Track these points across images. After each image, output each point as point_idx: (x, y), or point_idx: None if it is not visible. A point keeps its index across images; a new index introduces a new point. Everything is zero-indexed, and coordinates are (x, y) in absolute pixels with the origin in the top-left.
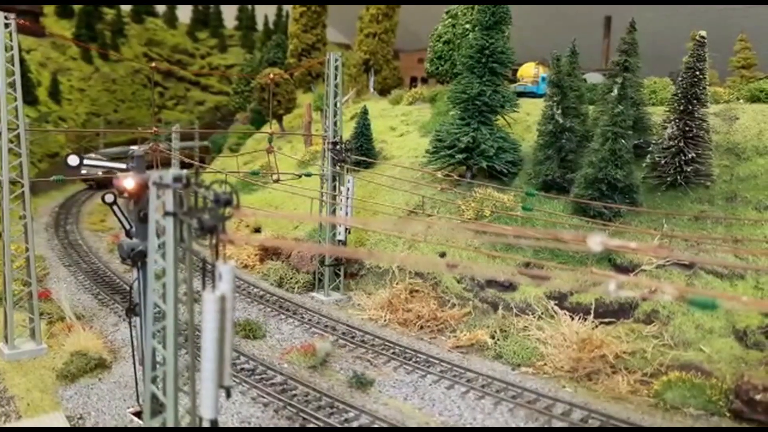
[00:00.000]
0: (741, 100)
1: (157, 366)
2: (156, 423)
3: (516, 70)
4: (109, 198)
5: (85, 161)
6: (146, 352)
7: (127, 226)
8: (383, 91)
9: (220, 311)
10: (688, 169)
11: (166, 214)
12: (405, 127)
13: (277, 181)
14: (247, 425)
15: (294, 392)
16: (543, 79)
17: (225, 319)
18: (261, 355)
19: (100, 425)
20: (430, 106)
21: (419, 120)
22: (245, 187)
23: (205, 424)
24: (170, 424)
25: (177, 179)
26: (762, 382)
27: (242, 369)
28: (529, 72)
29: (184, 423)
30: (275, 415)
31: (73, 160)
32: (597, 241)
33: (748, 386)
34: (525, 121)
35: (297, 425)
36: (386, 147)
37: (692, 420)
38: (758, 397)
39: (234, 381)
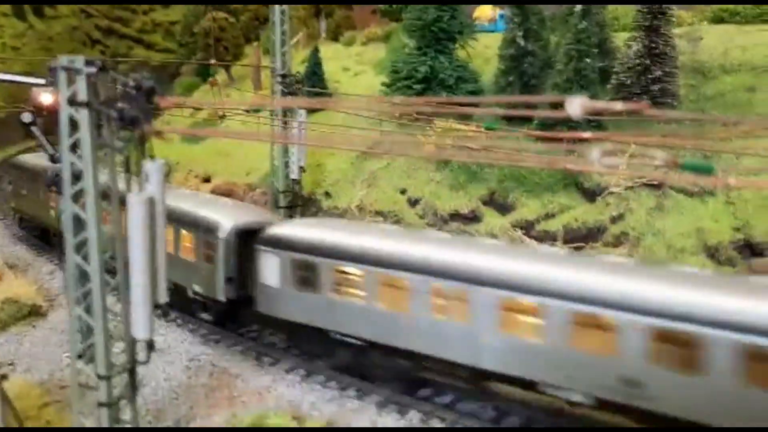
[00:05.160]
0: (705, 22)
1: (82, 284)
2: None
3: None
4: (27, 117)
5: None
6: (68, 268)
7: (51, 151)
8: (336, 39)
9: (148, 216)
10: (655, 88)
11: (78, 104)
12: (359, 67)
13: (222, 117)
14: (197, 362)
15: (249, 328)
16: (501, 16)
17: (156, 225)
18: None
19: (33, 370)
20: (385, 45)
21: (374, 59)
22: (192, 139)
23: (140, 346)
24: (99, 349)
25: (89, 62)
26: None
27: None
28: (487, 13)
29: (116, 347)
30: (227, 351)
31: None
32: (576, 103)
33: None
34: (484, 55)
35: (252, 359)
36: (340, 87)
37: None
38: None
39: (182, 320)
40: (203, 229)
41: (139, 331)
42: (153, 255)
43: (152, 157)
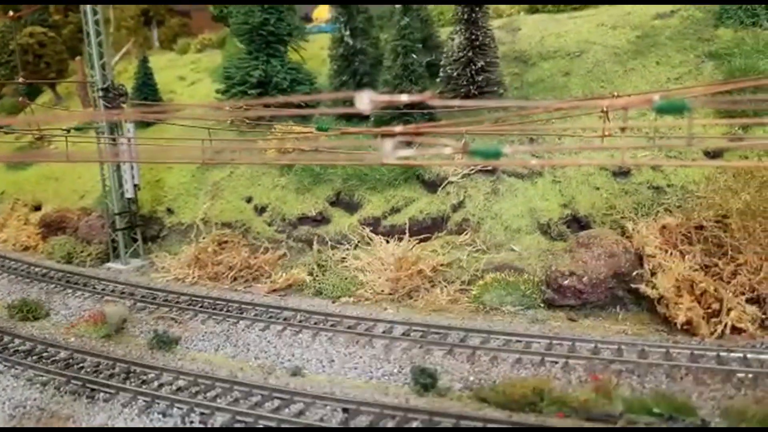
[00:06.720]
0: (521, 13)
1: None
2: None
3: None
4: None
5: None
6: None
7: None
8: (173, 49)
9: None
10: (480, 79)
11: None
12: (195, 75)
13: (40, 138)
14: (21, 409)
15: (81, 365)
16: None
17: None
18: (41, 334)
19: None
20: (221, 51)
21: (210, 66)
22: (19, 165)
23: None
24: None
25: None
26: (567, 267)
27: (15, 351)
28: (325, 14)
29: None
30: (56, 392)
31: None
32: (365, 98)
33: (556, 274)
34: (320, 56)
35: (84, 397)
36: (176, 97)
37: (510, 317)
38: (566, 282)
39: (4, 366)
40: None
41: None
42: None
43: None
